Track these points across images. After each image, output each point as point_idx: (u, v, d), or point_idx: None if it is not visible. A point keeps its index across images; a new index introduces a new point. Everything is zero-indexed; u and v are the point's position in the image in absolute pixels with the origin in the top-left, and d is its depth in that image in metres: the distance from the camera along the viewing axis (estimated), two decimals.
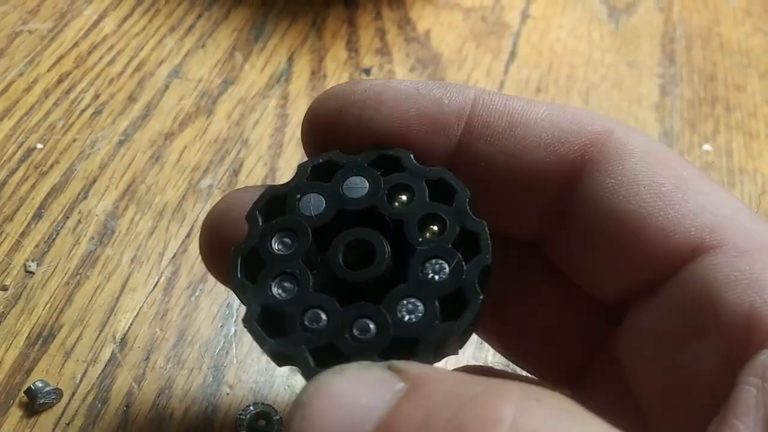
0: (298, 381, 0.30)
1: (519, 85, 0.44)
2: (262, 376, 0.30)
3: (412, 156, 0.21)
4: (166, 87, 0.40)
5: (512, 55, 0.46)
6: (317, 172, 0.21)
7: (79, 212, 0.34)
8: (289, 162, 0.37)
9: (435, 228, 0.20)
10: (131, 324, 0.31)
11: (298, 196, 0.20)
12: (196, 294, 0.32)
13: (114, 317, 0.31)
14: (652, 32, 0.49)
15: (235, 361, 0.30)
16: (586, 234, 0.21)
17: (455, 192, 0.20)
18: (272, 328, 0.19)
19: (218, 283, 0.32)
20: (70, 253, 0.33)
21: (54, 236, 0.33)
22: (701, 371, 0.18)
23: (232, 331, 0.31)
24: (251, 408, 0.29)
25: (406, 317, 0.18)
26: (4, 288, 0.31)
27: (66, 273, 0.32)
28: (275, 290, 0.19)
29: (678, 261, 0.19)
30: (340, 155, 0.21)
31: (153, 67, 0.41)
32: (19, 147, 0.36)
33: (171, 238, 0.34)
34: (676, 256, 0.19)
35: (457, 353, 0.19)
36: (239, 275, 0.19)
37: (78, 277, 0.32)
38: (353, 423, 0.16)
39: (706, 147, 0.43)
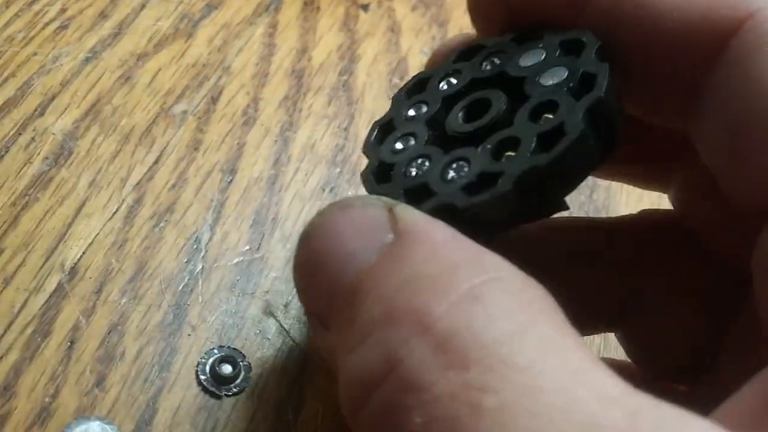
0: (269, 325, 0.27)
1: None
2: (230, 317, 0.26)
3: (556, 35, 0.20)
4: (143, 6, 0.36)
5: None
6: (463, 56, 0.22)
7: (34, 129, 0.30)
8: (274, 92, 0.34)
9: (555, 80, 0.18)
10: (83, 253, 0.27)
11: (442, 76, 0.21)
12: (161, 225, 0.28)
13: (64, 244, 0.27)
14: None
15: (200, 300, 0.27)
16: (719, 128, 0.18)
17: (585, 46, 0.19)
18: (385, 179, 0.20)
19: (186, 215, 0.29)
20: (19, 173, 0.29)
21: (3, 153, 0.29)
22: None
23: (199, 267, 0.28)
24: (215, 351, 0.25)
25: (504, 155, 0.18)
26: None
27: (13, 193, 0.28)
28: (395, 147, 0.20)
29: None
30: (484, 40, 0.21)
31: None
32: None
33: (137, 163, 0.30)
34: None
35: (564, 208, 0.18)
36: (372, 140, 0.21)
37: (26, 198, 0.28)
38: (336, 269, 0.16)
39: None
